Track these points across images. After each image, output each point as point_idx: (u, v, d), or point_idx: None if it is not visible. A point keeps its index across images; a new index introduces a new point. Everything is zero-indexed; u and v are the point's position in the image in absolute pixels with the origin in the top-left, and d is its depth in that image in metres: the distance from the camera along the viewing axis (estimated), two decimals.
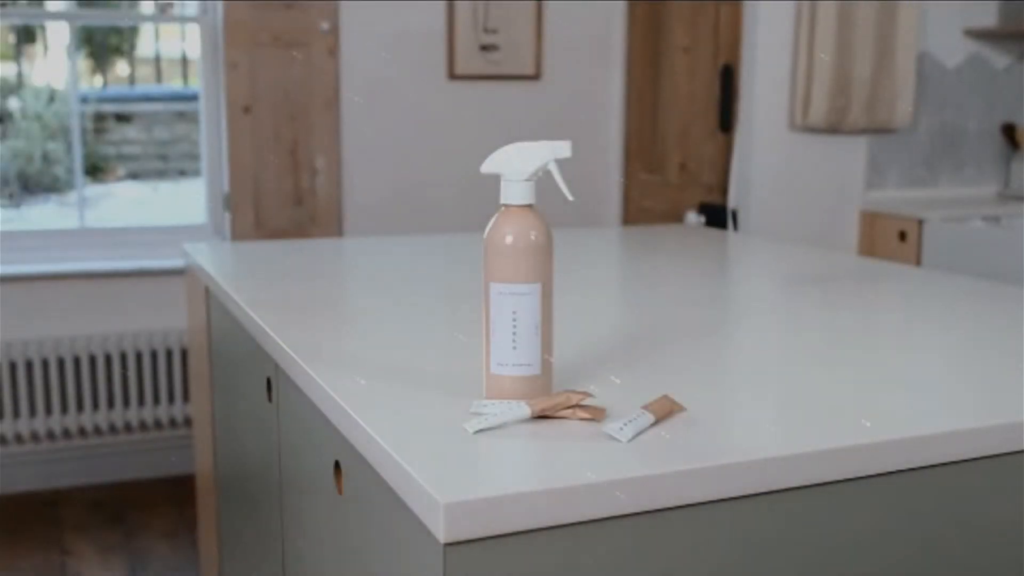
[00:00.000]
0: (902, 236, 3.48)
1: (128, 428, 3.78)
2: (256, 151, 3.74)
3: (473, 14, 3.92)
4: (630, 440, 1.03)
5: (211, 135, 3.86)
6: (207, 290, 2.13)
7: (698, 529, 0.98)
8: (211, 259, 2.16)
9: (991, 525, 1.14)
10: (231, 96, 3.68)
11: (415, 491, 0.92)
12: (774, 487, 1.00)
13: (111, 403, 3.74)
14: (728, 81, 3.60)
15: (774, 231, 3.53)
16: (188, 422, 3.83)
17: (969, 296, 1.86)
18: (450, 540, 0.88)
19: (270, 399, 1.60)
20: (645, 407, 1.09)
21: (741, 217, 3.54)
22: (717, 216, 3.64)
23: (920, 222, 3.43)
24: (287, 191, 3.79)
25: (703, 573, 0.99)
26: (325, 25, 3.74)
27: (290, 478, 1.50)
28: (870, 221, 3.62)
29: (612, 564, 0.95)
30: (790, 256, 2.38)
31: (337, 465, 1.23)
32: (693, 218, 3.72)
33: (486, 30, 3.96)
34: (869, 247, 3.61)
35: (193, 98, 4.07)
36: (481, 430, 1.05)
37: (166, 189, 4.45)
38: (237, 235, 3.76)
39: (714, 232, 2.92)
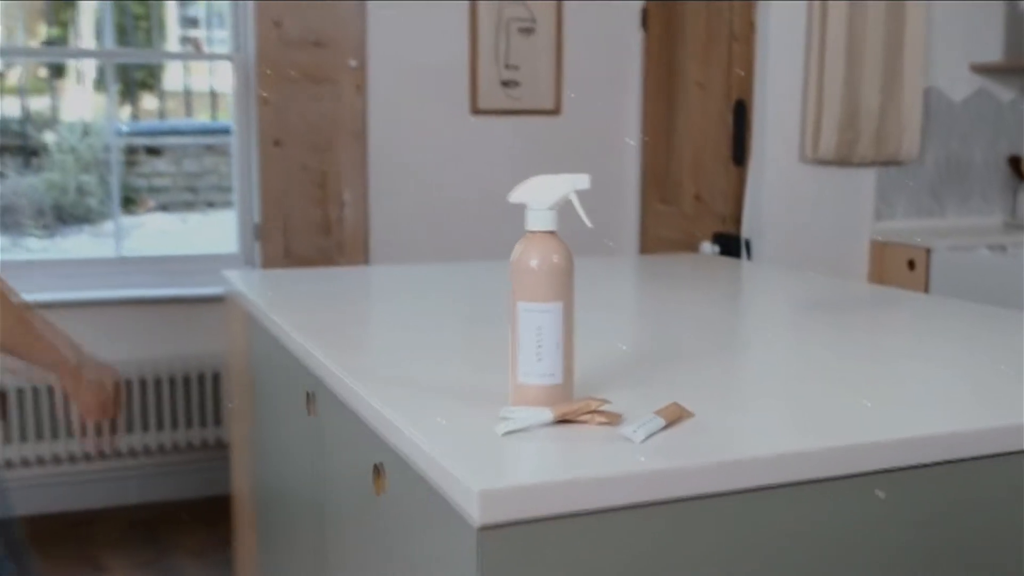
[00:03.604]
0: (911, 265, 3.59)
1: (162, 450, 3.91)
2: (286, 183, 3.88)
3: (495, 51, 4.08)
4: (643, 441, 1.15)
5: (243, 168, 4.01)
6: (247, 314, 2.26)
7: (701, 519, 1.09)
8: (251, 286, 2.29)
9: (989, 519, 1.25)
10: (262, 130, 3.83)
11: (452, 483, 1.05)
12: (771, 482, 1.12)
13: (145, 426, 3.87)
14: (741, 115, 3.73)
15: (786, 260, 3.64)
16: (220, 445, 3.95)
17: (975, 320, 1.96)
18: (484, 524, 1.00)
19: (309, 412, 1.73)
20: (657, 412, 1.21)
21: (754, 246, 3.66)
22: (731, 246, 3.75)
23: (928, 251, 3.54)
24: (315, 221, 3.93)
25: (705, 558, 1.10)
26: (353, 62, 3.90)
27: (330, 484, 1.62)
28: (880, 250, 3.73)
29: (624, 547, 1.06)
30: (802, 283, 2.50)
31: (376, 469, 1.35)
32: (708, 247, 3.84)
33: (507, 66, 4.11)
34: (879, 276, 3.72)
35: (222, 131, 4.22)
36: (509, 432, 1.17)
37: (194, 220, 4.60)
38: (267, 264, 3.89)
39: (728, 260, 3.03)
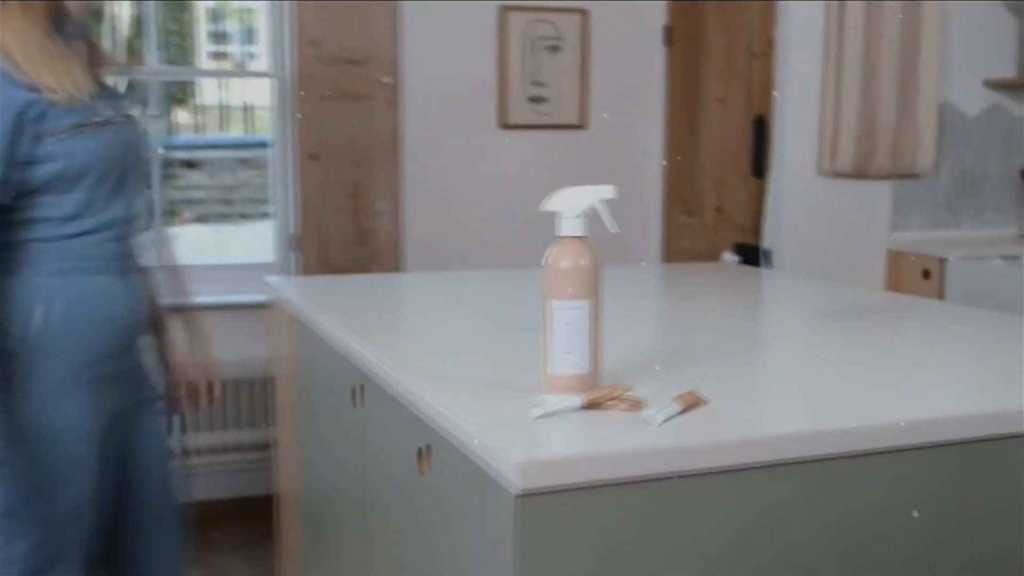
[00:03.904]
0: (926, 274, 3.71)
1: (198, 452, 4.06)
2: (322, 195, 4.05)
3: (523, 68, 4.23)
4: (661, 423, 1.29)
5: (281, 181, 4.17)
6: (291, 318, 2.41)
7: (710, 491, 1.23)
8: (296, 291, 2.44)
9: (989, 498, 1.39)
10: (300, 145, 4.00)
11: (494, 457, 1.19)
12: (775, 459, 1.26)
13: (183, 428, 4.02)
14: (760, 130, 3.87)
15: (804, 270, 3.76)
16: (257, 447, 4.10)
17: (985, 324, 2.09)
18: (522, 491, 1.14)
19: (355, 405, 1.87)
20: (675, 398, 1.35)
21: (773, 257, 3.79)
22: (751, 256, 3.88)
23: (942, 261, 3.65)
24: (350, 232, 4.09)
25: (714, 525, 1.24)
26: (386, 79, 4.06)
27: (374, 469, 1.76)
28: (895, 260, 3.85)
29: (643, 514, 1.21)
30: (820, 290, 2.63)
31: (420, 452, 1.49)
32: (729, 257, 3.97)
33: (535, 83, 4.26)
34: (895, 285, 3.83)
35: (256, 145, 4.39)
36: (542, 415, 1.31)
37: (228, 231, 4.76)
38: (304, 272, 4.05)
39: (748, 269, 3.17)
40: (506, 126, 4.25)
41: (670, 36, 4.40)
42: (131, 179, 1.88)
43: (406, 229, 4.18)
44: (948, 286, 3.63)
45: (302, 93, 3.97)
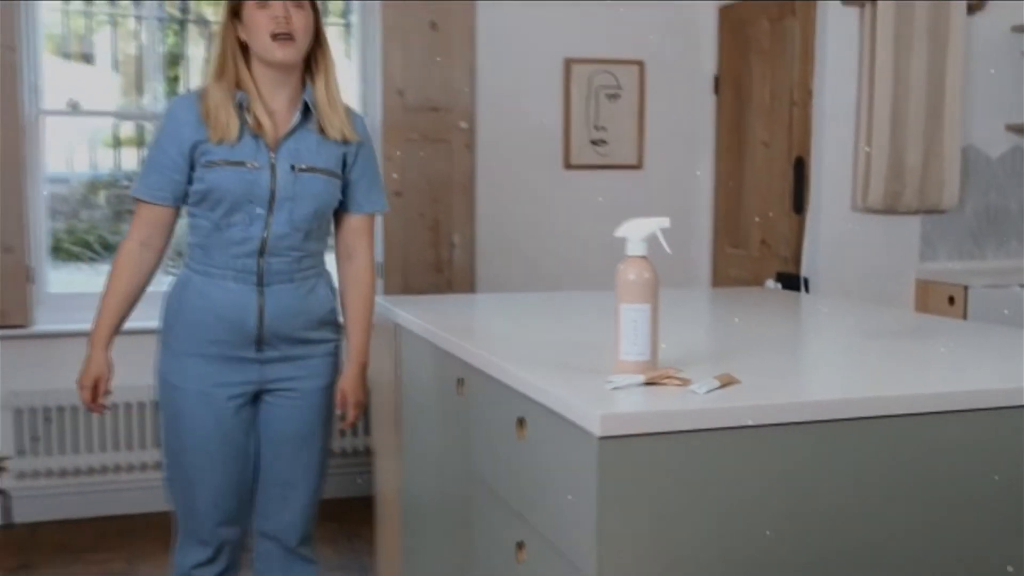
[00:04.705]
0: (951, 300, 4.09)
1: None
2: (405, 228, 4.52)
3: (585, 114, 4.70)
4: (704, 394, 1.72)
5: None
6: (396, 327, 2.86)
7: (736, 442, 1.66)
8: (401, 308, 2.89)
9: (995, 454, 1.79)
10: (387, 183, 4.47)
11: (581, 414, 1.63)
12: (789, 420, 1.68)
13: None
14: (800, 171, 4.28)
15: (840, 297, 4.14)
16: (344, 453, 4.54)
17: (1002, 337, 2.46)
18: (602, 435, 1.58)
19: (459, 394, 2.32)
20: (715, 377, 1.78)
21: (811, 284, 4.18)
22: (792, 284, 4.28)
23: (966, 288, 4.03)
24: (430, 261, 4.56)
25: (737, 467, 1.67)
26: (463, 124, 4.54)
27: (477, 443, 2.21)
28: (923, 288, 4.23)
29: (687, 456, 1.64)
30: (852, 309, 3.02)
31: (519, 421, 1.93)
32: (771, 284, 4.38)
33: (596, 127, 4.72)
34: (922, 310, 4.21)
35: None
36: (614, 388, 1.75)
37: None
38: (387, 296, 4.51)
39: (789, 293, 3.58)
40: (570, 166, 4.71)
41: (718, 85, 4.84)
42: (265, 210, 2.38)
43: (479, 258, 4.63)
44: (971, 311, 4.01)
45: (388, 137, 4.46)
